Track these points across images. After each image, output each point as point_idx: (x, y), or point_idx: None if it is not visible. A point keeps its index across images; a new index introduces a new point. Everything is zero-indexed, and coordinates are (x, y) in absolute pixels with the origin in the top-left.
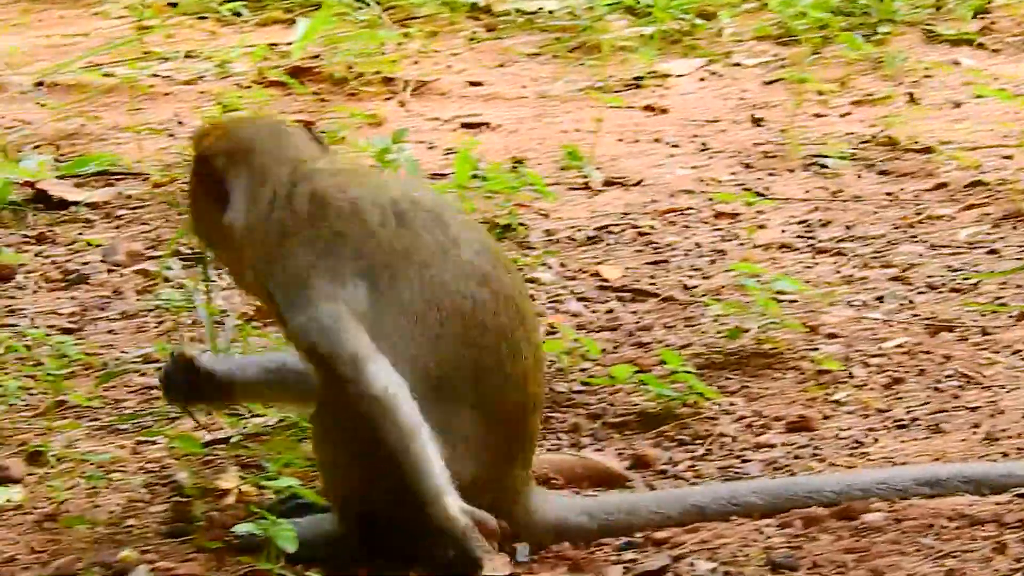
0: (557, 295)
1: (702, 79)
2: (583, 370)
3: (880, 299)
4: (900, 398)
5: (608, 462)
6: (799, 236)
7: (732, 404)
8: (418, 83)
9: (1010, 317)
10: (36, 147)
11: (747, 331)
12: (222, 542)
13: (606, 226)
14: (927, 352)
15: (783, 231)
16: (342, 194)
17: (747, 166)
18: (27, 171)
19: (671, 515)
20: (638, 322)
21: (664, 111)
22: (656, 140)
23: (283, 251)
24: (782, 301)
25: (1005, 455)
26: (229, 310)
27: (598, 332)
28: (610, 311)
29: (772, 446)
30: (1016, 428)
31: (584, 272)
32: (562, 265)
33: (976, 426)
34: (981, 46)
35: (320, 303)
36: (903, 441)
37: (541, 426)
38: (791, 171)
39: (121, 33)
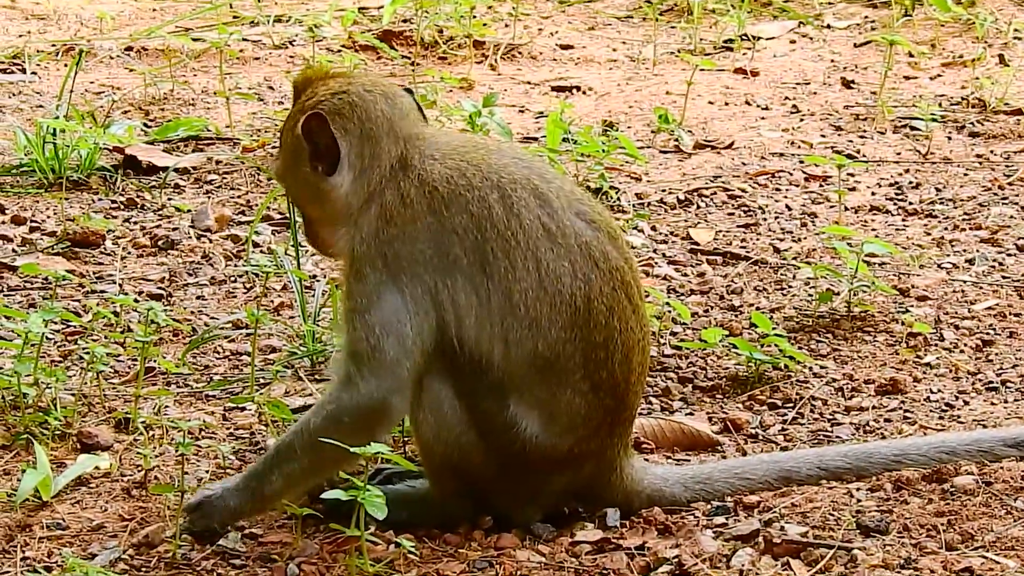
0: (648, 259)
1: (792, 41)
2: (674, 334)
3: (970, 261)
4: (990, 360)
5: (699, 426)
6: (889, 199)
7: (823, 367)
8: (509, 46)
9: None
10: (125, 112)
11: (838, 294)
12: (311, 509)
13: (697, 189)
14: (1017, 314)
15: (873, 194)
16: (449, 185)
17: (837, 128)
18: (116, 137)
19: (763, 481)
20: (729, 285)
21: (755, 74)
22: (747, 103)
23: (384, 236)
24: (872, 264)
25: None
26: (319, 275)
27: (689, 295)
28: (701, 274)
29: (863, 409)
30: None
31: (675, 235)
32: (653, 228)
33: None
34: None
35: (402, 304)
36: (993, 404)
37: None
38: (881, 133)
39: None
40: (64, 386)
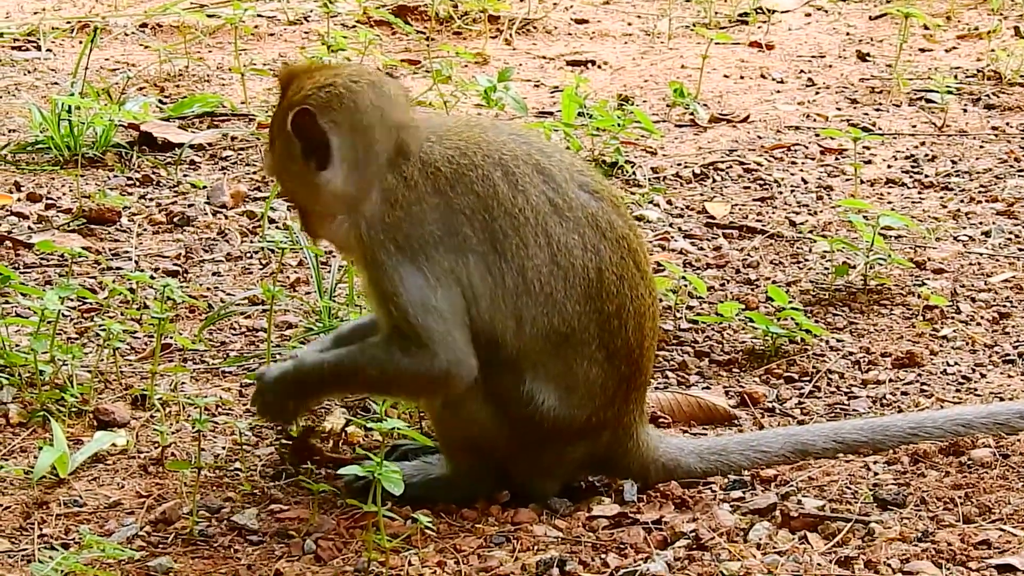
0: (664, 233)
1: (808, 14)
2: (690, 308)
3: (987, 234)
4: (1007, 332)
5: (715, 400)
6: (905, 171)
7: (839, 341)
8: (524, 21)
9: None
10: (140, 89)
11: (854, 267)
12: (328, 484)
13: (713, 163)
14: None
15: (889, 166)
16: (451, 165)
17: (853, 101)
18: (131, 113)
19: (779, 454)
20: (745, 259)
21: (770, 47)
22: (762, 76)
23: (391, 220)
24: (888, 237)
25: None
26: (335, 251)
27: (705, 269)
28: (717, 248)
29: (880, 382)
30: None
31: (691, 209)
32: (669, 203)
33: None
34: None
35: (427, 282)
36: (1010, 376)
37: (668, 417)
38: (897, 106)
39: None
40: (80, 363)
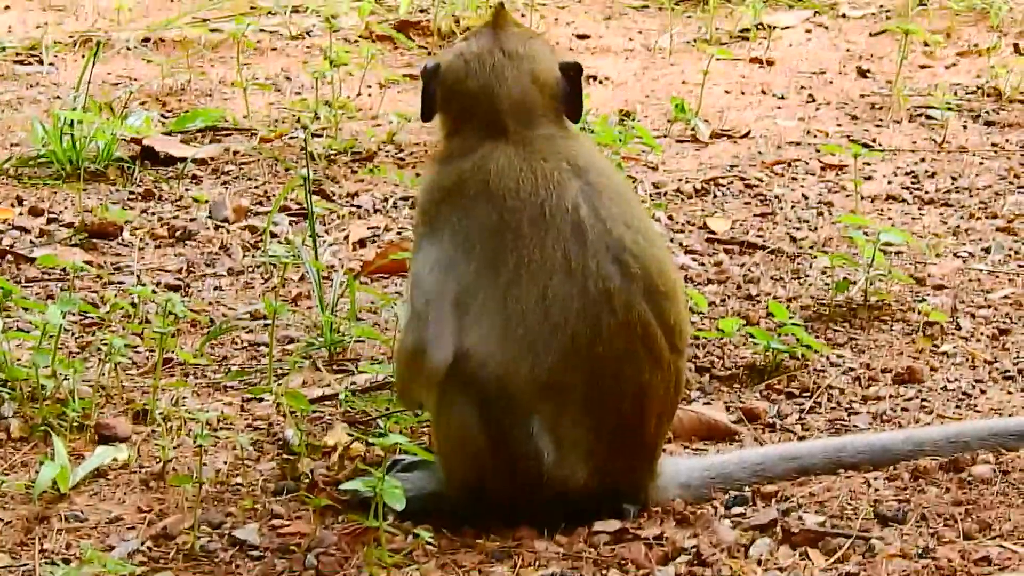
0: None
1: (808, 31)
2: (691, 323)
3: (987, 250)
4: (1007, 349)
5: (716, 415)
6: (906, 187)
7: (840, 356)
8: None
9: None
10: (142, 103)
11: (854, 283)
12: (330, 499)
13: (714, 178)
14: None
15: (889, 182)
16: (498, 180)
17: (853, 118)
18: (133, 128)
19: (786, 470)
20: (746, 275)
21: (771, 63)
22: (763, 92)
23: (439, 195)
24: (889, 253)
25: None
26: (336, 265)
27: (706, 285)
28: (718, 264)
29: (880, 398)
30: None
31: (692, 225)
32: (670, 218)
33: None
34: None
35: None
36: (1010, 392)
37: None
38: (897, 122)
39: None
40: (82, 377)
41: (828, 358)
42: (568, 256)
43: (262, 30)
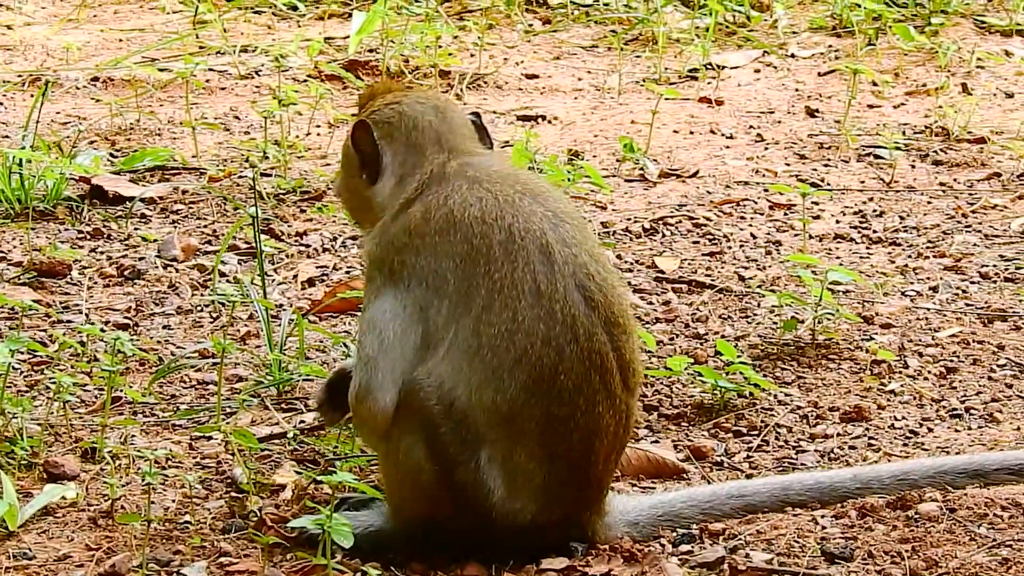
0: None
1: (757, 70)
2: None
3: (934, 289)
4: (954, 387)
5: (664, 454)
6: (854, 227)
7: (788, 395)
8: (474, 76)
9: None
10: (91, 142)
11: (802, 322)
12: (278, 537)
13: (662, 218)
14: (981, 342)
15: (838, 222)
16: (463, 210)
17: (802, 157)
18: (82, 167)
19: (734, 508)
20: (694, 313)
21: (719, 103)
22: (712, 132)
23: (398, 244)
24: (837, 292)
25: None
26: (285, 304)
27: (654, 324)
28: (666, 303)
29: (828, 437)
30: None
31: (641, 264)
32: (619, 257)
33: None
34: None
35: (394, 309)
36: (957, 431)
37: (617, 471)
38: (846, 162)
39: (177, 28)
40: (30, 416)
41: (776, 396)
42: (537, 279)
43: (211, 69)
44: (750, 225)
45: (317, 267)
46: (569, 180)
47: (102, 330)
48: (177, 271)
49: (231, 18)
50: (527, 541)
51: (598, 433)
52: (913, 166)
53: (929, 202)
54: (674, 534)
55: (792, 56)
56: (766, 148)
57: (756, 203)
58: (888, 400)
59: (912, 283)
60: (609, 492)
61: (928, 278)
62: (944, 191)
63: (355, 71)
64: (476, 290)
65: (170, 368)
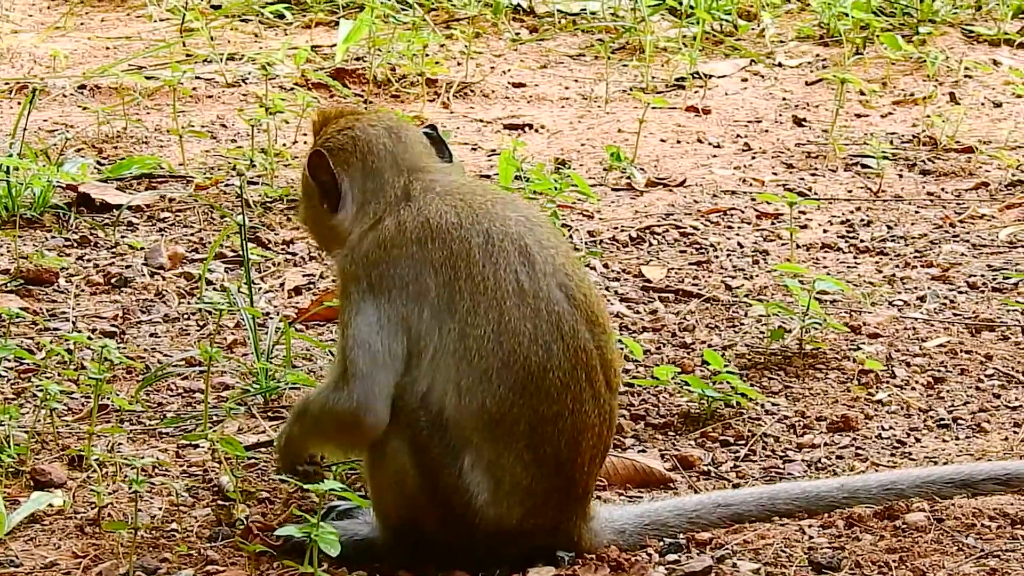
0: (600, 296)
1: (744, 80)
2: (626, 371)
3: (922, 299)
4: (941, 397)
5: (651, 463)
6: (841, 236)
7: (775, 404)
8: (461, 84)
9: None
10: (78, 150)
11: (789, 331)
12: (265, 545)
13: (649, 227)
14: (968, 352)
15: (825, 231)
16: (439, 219)
17: (789, 166)
18: (69, 175)
19: (721, 518)
20: (681, 323)
21: (707, 112)
22: (699, 141)
23: (373, 258)
24: (824, 301)
25: None
26: (272, 312)
27: (641, 333)
28: (653, 312)
29: (815, 446)
30: None
31: (627, 273)
32: (605, 266)
33: (1017, 425)
34: (1021, 46)
35: (377, 322)
36: (944, 441)
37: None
38: (833, 171)
39: (163, 36)
40: (17, 423)
41: (763, 406)
42: (520, 279)
43: (198, 77)
44: (737, 234)
45: (303, 275)
46: (556, 189)
47: (89, 338)
48: (164, 279)
49: (218, 26)
50: (513, 548)
51: (584, 432)
52: (901, 175)
53: (917, 212)
54: (661, 543)
55: (779, 65)
56: (753, 157)
57: (743, 212)
58: (875, 410)
59: (900, 293)
60: (595, 499)
61: (916, 288)
62: (931, 201)
63: (342, 79)
64: (459, 295)
65: (157, 376)
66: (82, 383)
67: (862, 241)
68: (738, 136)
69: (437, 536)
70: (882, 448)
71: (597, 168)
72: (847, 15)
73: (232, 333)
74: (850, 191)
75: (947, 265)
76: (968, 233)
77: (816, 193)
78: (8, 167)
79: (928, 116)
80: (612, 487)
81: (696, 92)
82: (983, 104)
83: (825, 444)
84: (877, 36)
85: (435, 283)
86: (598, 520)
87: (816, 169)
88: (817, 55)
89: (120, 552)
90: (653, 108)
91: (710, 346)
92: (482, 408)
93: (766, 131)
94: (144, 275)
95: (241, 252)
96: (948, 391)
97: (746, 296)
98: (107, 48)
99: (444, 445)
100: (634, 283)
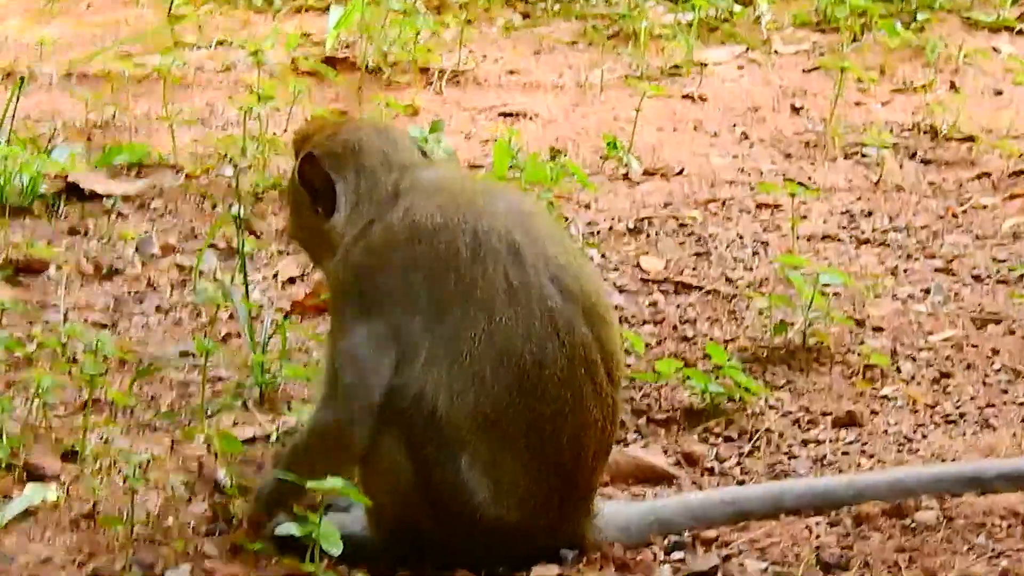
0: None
1: (741, 67)
2: (628, 365)
3: (926, 291)
4: (948, 393)
5: (654, 459)
6: (842, 227)
7: (778, 399)
8: (454, 72)
9: None
10: (67, 139)
11: (792, 325)
12: (262, 542)
13: (647, 217)
14: (974, 345)
15: (825, 222)
16: (426, 219)
17: (787, 155)
18: (58, 163)
19: (726, 515)
20: (682, 315)
21: (703, 99)
22: (695, 129)
23: (365, 268)
24: (827, 294)
25: None
26: (266, 304)
27: (641, 326)
28: (653, 304)
29: (820, 442)
30: None
31: (626, 264)
32: (603, 257)
33: None
34: (1021, 33)
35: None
36: (951, 437)
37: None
38: (832, 160)
39: (152, 22)
40: (10, 416)
41: (767, 401)
42: (509, 277)
43: (187, 64)
44: (736, 225)
45: (297, 266)
46: (552, 178)
47: (81, 329)
48: (156, 269)
49: (207, 11)
50: (515, 546)
51: (586, 429)
52: (901, 165)
53: (918, 202)
54: (666, 541)
55: (776, 52)
56: (751, 146)
57: (742, 202)
58: (881, 405)
59: (903, 285)
60: (596, 493)
61: (919, 280)
62: (933, 190)
63: (333, 66)
64: (449, 298)
65: (151, 369)
66: (74, 375)
67: (863, 232)
68: (735, 125)
69: (435, 535)
70: (888, 444)
71: (593, 157)
72: (844, 1)
73: (226, 325)
74: (850, 181)
75: (950, 256)
76: (971, 224)
77: (815, 183)
78: None
79: (928, 104)
80: (614, 483)
81: (692, 80)
82: (983, 92)
83: (830, 440)
84: (875, 23)
85: (424, 288)
86: (602, 518)
87: (814, 158)
88: (814, 42)
89: (116, 547)
90: (649, 96)
91: (712, 339)
92: (476, 409)
93: (764, 119)
94: (136, 265)
95: (234, 242)
96: (955, 386)
97: (747, 288)
98: (94, 35)
99: (439, 444)
100: (633, 274)
